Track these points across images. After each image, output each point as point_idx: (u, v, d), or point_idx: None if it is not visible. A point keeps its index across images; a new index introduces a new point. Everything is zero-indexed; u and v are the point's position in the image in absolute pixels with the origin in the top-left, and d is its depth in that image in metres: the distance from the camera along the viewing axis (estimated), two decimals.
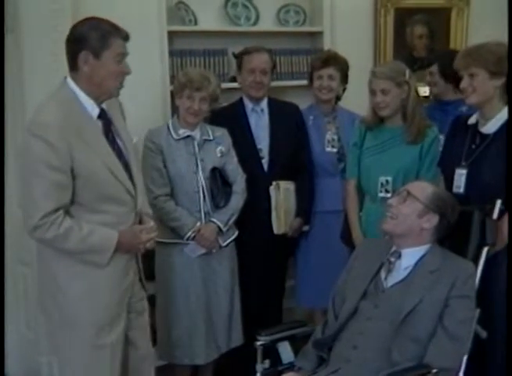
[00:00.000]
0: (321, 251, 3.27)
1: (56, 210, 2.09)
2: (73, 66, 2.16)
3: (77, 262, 2.20)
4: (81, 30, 2.13)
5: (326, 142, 3.29)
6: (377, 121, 2.92)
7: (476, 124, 2.59)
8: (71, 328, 2.24)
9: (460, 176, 2.54)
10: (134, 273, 2.36)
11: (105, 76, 2.15)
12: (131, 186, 2.27)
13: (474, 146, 2.56)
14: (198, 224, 2.86)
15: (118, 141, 2.29)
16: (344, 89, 3.36)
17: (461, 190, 2.53)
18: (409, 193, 2.31)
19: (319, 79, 3.26)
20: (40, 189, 2.07)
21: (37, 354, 3.03)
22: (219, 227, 2.88)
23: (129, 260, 2.32)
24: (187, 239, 2.85)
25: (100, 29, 2.12)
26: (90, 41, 2.10)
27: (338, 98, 3.37)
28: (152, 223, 2.37)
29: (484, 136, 2.54)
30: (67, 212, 2.14)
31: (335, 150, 3.28)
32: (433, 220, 2.29)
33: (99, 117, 2.22)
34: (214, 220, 2.88)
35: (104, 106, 2.26)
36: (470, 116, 2.64)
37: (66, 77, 2.20)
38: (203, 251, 2.89)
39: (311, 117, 3.32)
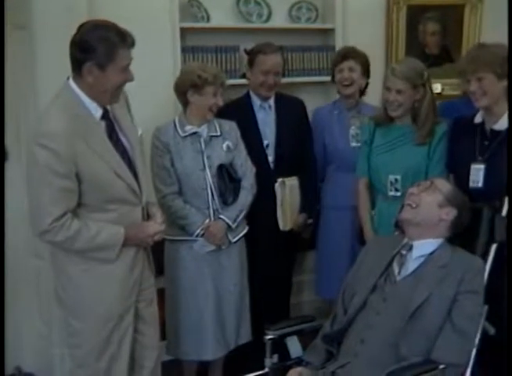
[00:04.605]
0: (340, 244, 3.30)
1: (64, 214, 2.15)
2: (77, 71, 2.17)
3: (86, 259, 2.26)
4: (89, 40, 2.12)
5: (350, 137, 3.30)
6: (388, 119, 2.92)
7: (483, 123, 2.63)
8: (82, 319, 2.31)
9: (478, 171, 2.58)
10: (142, 262, 2.41)
11: (107, 86, 2.18)
12: (136, 185, 2.31)
13: (486, 143, 2.61)
14: (207, 221, 2.85)
15: (122, 139, 2.32)
16: (367, 84, 3.36)
17: (479, 185, 2.57)
18: (432, 183, 2.35)
19: (340, 72, 3.28)
20: (47, 196, 2.13)
21: (50, 347, 3.07)
22: (228, 224, 2.88)
23: (137, 253, 2.37)
24: (196, 236, 2.86)
25: (108, 41, 2.12)
26: (97, 53, 2.12)
27: (362, 92, 3.37)
28: (159, 216, 2.42)
29: (495, 133, 2.59)
30: (74, 213, 2.20)
31: (360, 144, 3.24)
32: (451, 214, 2.32)
33: (103, 117, 2.26)
34: (223, 217, 2.87)
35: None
36: (472, 116, 2.69)
37: (68, 78, 2.22)
38: (212, 247, 2.89)
39: (336, 112, 3.35)
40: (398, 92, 2.80)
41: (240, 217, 2.92)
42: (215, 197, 2.87)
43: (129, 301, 2.36)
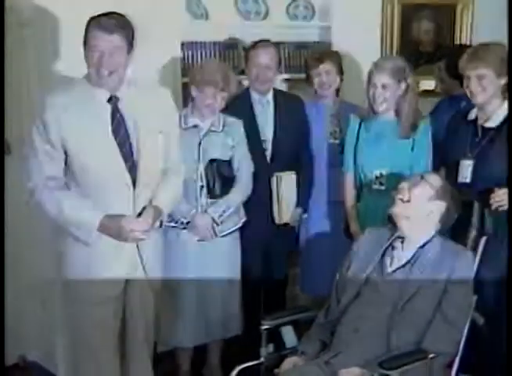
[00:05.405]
0: (323, 239, 3.35)
1: (47, 179, 2.26)
2: None
3: (65, 237, 2.33)
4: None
5: (328, 134, 3.35)
6: (373, 113, 2.94)
7: (476, 119, 2.69)
8: (72, 300, 2.40)
9: (467, 167, 2.65)
10: (130, 258, 2.39)
11: (87, 64, 2.24)
12: (129, 178, 2.30)
13: (477, 139, 2.68)
14: (193, 211, 2.88)
15: (130, 131, 2.31)
16: (342, 80, 3.41)
17: (468, 180, 2.64)
18: (422, 177, 2.40)
19: (318, 76, 3.33)
20: (32, 156, 2.27)
21: (53, 335, 3.12)
22: (213, 218, 2.88)
23: (117, 247, 2.33)
24: (181, 224, 2.88)
25: (90, 20, 2.22)
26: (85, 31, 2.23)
27: (338, 90, 3.43)
28: (146, 215, 2.34)
29: (486, 130, 2.66)
30: (61, 185, 2.30)
31: (337, 141, 3.32)
32: (441, 207, 2.37)
33: (110, 102, 2.29)
34: (209, 211, 2.89)
35: (120, 93, 2.30)
36: (467, 112, 2.75)
37: None
38: (195, 238, 2.91)
39: (314, 110, 3.39)
40: (384, 86, 2.83)
41: (227, 213, 2.91)
42: (204, 190, 2.90)
43: (114, 291, 2.38)
